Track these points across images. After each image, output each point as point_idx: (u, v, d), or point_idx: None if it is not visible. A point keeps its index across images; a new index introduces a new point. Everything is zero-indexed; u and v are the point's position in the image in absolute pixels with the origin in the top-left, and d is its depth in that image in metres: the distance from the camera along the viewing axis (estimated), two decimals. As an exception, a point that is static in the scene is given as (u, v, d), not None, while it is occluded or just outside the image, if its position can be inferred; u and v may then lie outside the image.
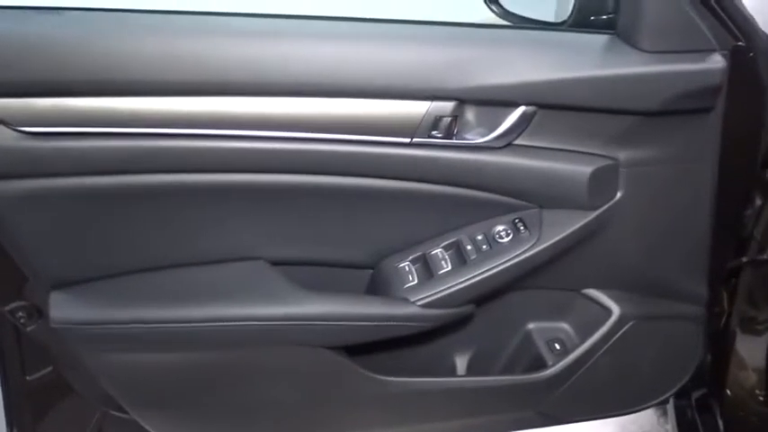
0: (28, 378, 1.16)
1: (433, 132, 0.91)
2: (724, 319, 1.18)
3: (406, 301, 0.98)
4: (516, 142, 0.93)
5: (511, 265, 0.98)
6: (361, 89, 0.89)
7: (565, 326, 1.11)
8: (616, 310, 1.06)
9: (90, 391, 1.15)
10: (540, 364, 1.08)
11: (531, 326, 1.11)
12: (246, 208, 0.97)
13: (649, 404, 1.18)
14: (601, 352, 1.07)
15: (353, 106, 0.89)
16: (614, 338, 1.07)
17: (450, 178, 0.95)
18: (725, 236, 1.06)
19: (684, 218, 1.02)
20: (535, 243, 0.97)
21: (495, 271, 0.98)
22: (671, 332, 1.11)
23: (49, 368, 1.16)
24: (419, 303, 0.98)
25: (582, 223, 0.98)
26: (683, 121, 0.93)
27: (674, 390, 1.16)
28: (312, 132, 0.90)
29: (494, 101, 0.90)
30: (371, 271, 1.05)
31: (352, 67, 0.88)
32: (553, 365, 1.07)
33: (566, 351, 1.09)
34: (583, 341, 1.08)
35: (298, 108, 0.89)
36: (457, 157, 0.93)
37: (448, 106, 0.89)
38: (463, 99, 0.90)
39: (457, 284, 0.98)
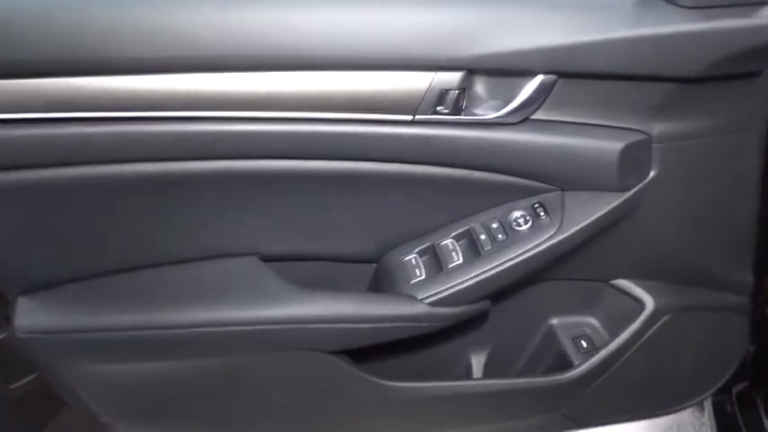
0: (11, 387, 1.08)
1: (439, 108, 0.80)
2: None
3: (413, 298, 0.88)
4: (534, 117, 0.82)
5: (531, 256, 0.87)
6: (355, 61, 0.78)
7: (592, 320, 1.01)
8: (650, 302, 0.95)
9: (76, 400, 1.06)
10: (565, 363, 0.99)
11: (554, 321, 1.02)
12: (233, 198, 0.87)
13: (685, 405, 1.08)
14: (633, 349, 0.97)
15: (347, 81, 0.79)
16: (648, 334, 0.97)
17: (458, 159, 0.84)
18: None
19: (727, 197, 0.91)
20: (557, 230, 0.86)
21: (512, 263, 0.87)
22: (711, 325, 1.00)
23: (33, 376, 1.08)
24: (428, 301, 0.88)
25: (611, 207, 0.87)
26: (727, 87, 0.82)
27: (713, 389, 1.07)
28: (301, 111, 0.80)
29: (508, 70, 0.79)
30: (375, 265, 0.95)
31: (345, 35, 0.77)
32: (580, 365, 0.97)
33: (594, 348, 0.99)
34: (613, 337, 0.98)
35: (285, 84, 0.79)
36: (466, 135, 0.82)
37: (455, 77, 0.78)
38: (472, 69, 0.79)
39: (470, 279, 0.87)
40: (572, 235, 0.87)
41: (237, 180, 0.85)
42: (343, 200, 0.88)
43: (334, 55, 0.77)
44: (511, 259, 0.87)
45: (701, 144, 0.86)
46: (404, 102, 0.79)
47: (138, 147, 0.80)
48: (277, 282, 0.88)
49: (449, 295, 0.88)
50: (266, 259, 0.91)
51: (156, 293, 0.88)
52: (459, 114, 0.81)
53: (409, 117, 0.80)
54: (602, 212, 0.87)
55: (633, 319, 0.96)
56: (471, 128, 0.82)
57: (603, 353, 0.97)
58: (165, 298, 0.87)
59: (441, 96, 0.79)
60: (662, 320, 0.96)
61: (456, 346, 1.00)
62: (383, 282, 0.93)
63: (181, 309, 0.87)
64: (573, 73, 0.79)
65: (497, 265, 0.87)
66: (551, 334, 1.01)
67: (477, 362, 1.02)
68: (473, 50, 0.77)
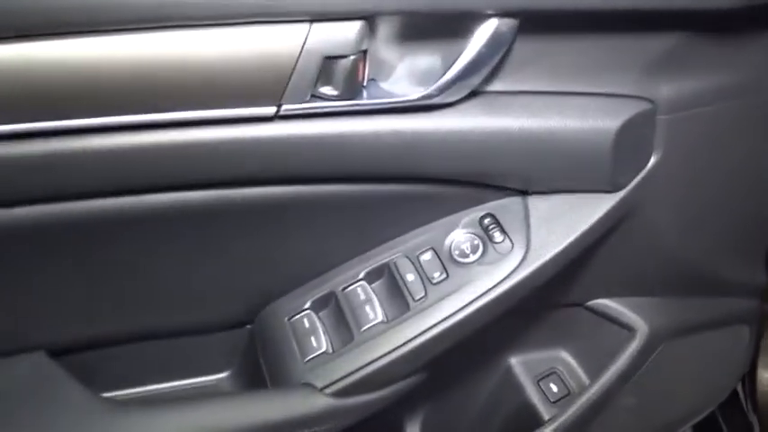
0: None
1: (322, 89, 0.47)
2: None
3: (310, 388, 0.56)
4: (487, 88, 0.52)
5: (487, 304, 0.57)
6: (172, 9, 0.42)
7: (563, 354, 0.75)
8: (642, 326, 0.70)
9: None
10: (531, 419, 0.72)
11: (512, 360, 0.74)
12: None
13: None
14: (622, 391, 0.71)
15: (159, 48, 0.43)
16: (641, 370, 0.71)
17: (359, 170, 0.52)
18: None
19: (747, 178, 0.67)
20: (524, 259, 0.57)
21: (460, 318, 0.57)
22: (717, 343, 0.78)
23: None
24: (332, 390, 0.56)
25: (599, 216, 0.59)
26: (762, 28, 0.56)
27: (709, 410, 0.84)
28: (78, 113, 0.44)
29: (438, 13, 0.46)
30: (248, 328, 0.63)
31: None
32: (552, 420, 0.70)
33: (568, 393, 0.73)
34: (592, 375, 0.72)
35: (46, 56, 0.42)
36: (371, 129, 0.50)
37: (346, 32, 0.45)
38: (375, 14, 0.46)
39: (397, 350, 0.57)
40: (545, 264, 0.57)
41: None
42: (182, 243, 0.55)
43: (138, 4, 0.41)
44: (458, 312, 0.57)
45: (720, 111, 0.60)
46: (259, 82, 0.45)
47: None
48: (75, 390, 0.54)
49: (365, 377, 0.56)
50: (63, 352, 0.56)
51: None
52: (359, 97, 0.48)
53: (270, 109, 0.46)
54: (587, 226, 0.58)
55: (620, 351, 0.71)
56: (381, 117, 0.50)
57: (583, 401, 0.71)
58: None
59: (324, 68, 0.46)
60: (658, 350, 0.71)
61: (381, 416, 0.70)
62: (263, 356, 0.60)
63: None
64: (544, 13, 0.48)
65: (437, 324, 0.57)
66: (510, 378, 0.74)
67: (412, 430, 0.73)
68: None
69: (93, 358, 0.58)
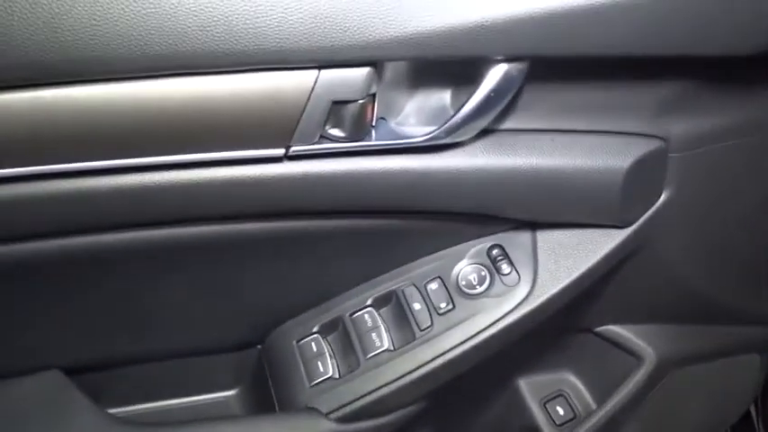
0: None
1: (330, 131, 0.47)
2: None
3: (315, 413, 0.58)
4: (496, 126, 0.51)
5: (492, 336, 0.58)
6: (186, 59, 0.42)
7: (570, 377, 0.75)
8: (650, 355, 0.70)
9: None
10: (535, 439, 0.72)
11: (520, 381, 0.74)
12: (18, 289, 0.53)
13: None
14: (629, 419, 0.71)
15: (175, 94, 0.43)
16: (648, 396, 0.71)
17: (369, 207, 0.52)
18: None
19: (759, 212, 0.65)
20: (530, 293, 0.57)
21: (465, 348, 0.58)
22: (726, 371, 0.77)
23: None
24: (337, 415, 0.57)
25: (606, 251, 0.58)
26: None
27: None
28: (116, 155, 0.45)
29: (446, 58, 0.45)
30: (258, 348, 0.64)
31: (168, 16, 0.40)
32: None
33: (574, 417, 0.73)
34: (600, 401, 0.72)
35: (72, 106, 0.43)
36: (380, 168, 0.50)
37: (354, 78, 0.44)
38: (383, 59, 0.45)
39: (403, 378, 0.57)
40: (552, 297, 0.58)
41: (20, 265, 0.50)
42: (185, 278, 0.56)
43: (155, 53, 0.41)
44: (462, 343, 0.57)
45: (731, 148, 0.58)
46: (268, 126, 0.45)
47: None
48: (86, 407, 0.56)
49: (370, 403, 0.57)
50: (77, 370, 0.58)
51: None
52: (368, 138, 0.48)
53: (280, 151, 0.46)
54: (595, 261, 0.58)
55: (628, 378, 0.70)
56: (389, 156, 0.49)
57: (589, 425, 0.71)
58: None
59: (332, 112, 0.46)
60: (667, 377, 0.71)
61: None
62: (271, 377, 0.62)
63: None
64: (555, 58, 0.47)
65: (442, 354, 0.57)
66: (516, 399, 0.75)
67: None
68: (384, 31, 0.43)
69: (106, 376, 0.60)
